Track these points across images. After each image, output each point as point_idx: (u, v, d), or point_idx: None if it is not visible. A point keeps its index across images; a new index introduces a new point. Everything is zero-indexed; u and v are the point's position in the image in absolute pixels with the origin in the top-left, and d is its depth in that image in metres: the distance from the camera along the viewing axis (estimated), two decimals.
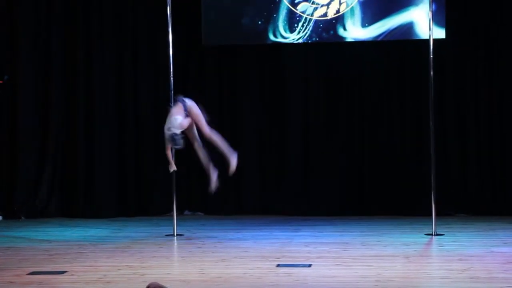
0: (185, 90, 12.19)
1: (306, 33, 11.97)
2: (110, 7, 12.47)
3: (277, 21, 12.02)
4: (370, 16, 11.86)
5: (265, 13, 12.01)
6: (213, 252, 9.23)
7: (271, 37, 12.06)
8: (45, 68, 12.51)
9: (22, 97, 12.44)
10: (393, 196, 12.14)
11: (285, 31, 12.01)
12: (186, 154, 12.34)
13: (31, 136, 12.47)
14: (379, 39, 11.88)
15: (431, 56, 10.23)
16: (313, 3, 11.98)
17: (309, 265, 8.32)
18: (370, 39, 11.90)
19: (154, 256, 9.15)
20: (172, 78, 10.54)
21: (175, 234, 10.43)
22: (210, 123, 12.15)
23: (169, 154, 9.90)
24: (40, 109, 12.51)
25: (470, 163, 12.08)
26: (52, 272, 8.14)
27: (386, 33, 11.84)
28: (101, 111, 12.45)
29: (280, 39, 12.05)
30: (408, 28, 11.78)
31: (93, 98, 12.48)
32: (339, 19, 11.93)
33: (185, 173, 12.24)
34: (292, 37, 12.01)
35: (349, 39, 11.97)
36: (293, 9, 11.99)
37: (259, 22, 12.05)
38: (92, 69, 12.48)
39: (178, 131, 9.64)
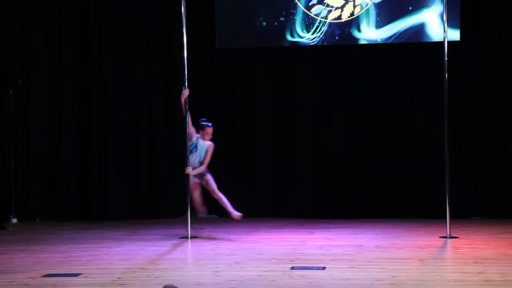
0: (199, 92, 12.26)
1: (322, 33, 11.98)
2: (123, 9, 12.51)
3: (294, 22, 12.04)
4: (384, 17, 11.87)
5: (282, 14, 12.04)
6: (227, 255, 9.24)
7: (289, 37, 12.07)
8: (57, 73, 12.55)
9: (36, 101, 12.49)
10: (408, 199, 12.11)
11: (302, 31, 12.03)
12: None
13: (45, 140, 12.51)
14: (390, 40, 11.88)
15: (446, 59, 10.20)
16: (327, 6, 11.99)
17: (323, 268, 8.31)
18: (383, 41, 11.90)
19: (168, 259, 9.17)
20: (186, 81, 10.55)
21: (189, 236, 10.44)
22: (223, 127, 12.21)
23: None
24: (54, 113, 12.56)
25: (485, 166, 12.04)
26: (66, 274, 8.16)
27: (397, 34, 11.84)
28: (115, 114, 12.48)
29: (297, 39, 12.06)
30: (419, 29, 11.78)
31: (106, 101, 12.51)
32: (354, 21, 11.94)
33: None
34: (308, 37, 12.02)
35: (362, 41, 11.98)
36: (307, 12, 12.00)
37: (276, 24, 12.06)
38: (105, 72, 12.52)
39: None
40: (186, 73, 10.53)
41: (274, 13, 12.09)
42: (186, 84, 10.52)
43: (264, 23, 12.13)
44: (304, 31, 12.03)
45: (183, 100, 10.35)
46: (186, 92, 10.35)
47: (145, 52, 12.56)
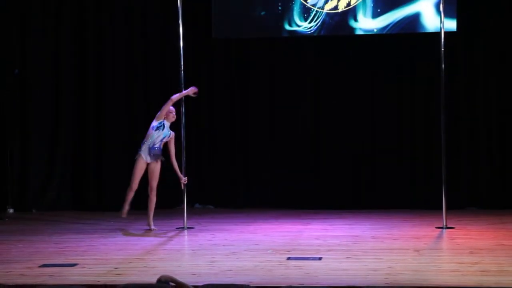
0: (194, 84, 12.26)
1: (319, 22, 11.98)
2: (121, 1, 12.49)
3: (292, 11, 12.03)
4: (381, 7, 11.86)
5: (279, 4, 12.02)
6: (223, 245, 9.25)
7: (287, 27, 12.06)
8: (55, 61, 12.55)
9: (33, 91, 12.49)
10: (404, 189, 12.13)
11: (300, 20, 12.02)
12: (196, 148, 12.41)
13: (42, 130, 12.51)
14: (385, 30, 11.87)
15: (442, 49, 10.19)
16: None
17: (320, 258, 8.32)
18: (379, 30, 11.88)
19: (165, 249, 9.19)
20: (182, 72, 10.54)
21: (186, 227, 10.45)
22: (220, 119, 12.20)
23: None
24: (51, 103, 12.55)
25: (481, 157, 12.05)
26: (63, 264, 8.16)
27: (392, 24, 11.84)
28: (112, 103, 12.49)
29: (295, 28, 12.05)
30: (414, 19, 11.76)
31: (104, 90, 12.52)
32: (351, 11, 11.94)
33: (195, 166, 12.27)
34: (305, 25, 12.01)
35: (359, 31, 11.96)
36: (303, 2, 11.99)
37: (273, 13, 12.05)
38: (102, 62, 12.52)
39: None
40: (182, 64, 10.53)
41: (272, 3, 12.07)
42: (182, 74, 10.52)
43: (262, 13, 12.11)
44: (302, 20, 12.02)
45: (186, 93, 10.38)
46: (192, 90, 10.39)
47: (142, 43, 12.55)
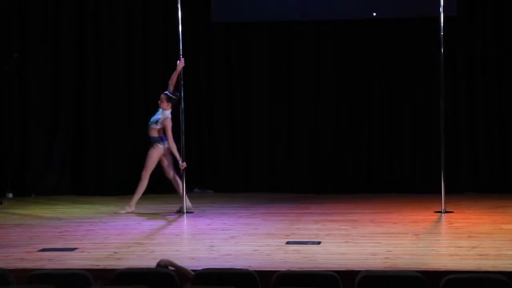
0: (194, 69, 12.25)
1: (319, 6, 11.97)
2: None
3: None
4: None
5: None
6: (222, 230, 9.26)
7: (287, 10, 12.04)
8: (54, 44, 12.52)
9: (32, 75, 12.47)
10: (403, 173, 12.14)
11: (301, 4, 12.01)
12: (195, 133, 12.41)
13: (41, 114, 12.51)
14: (384, 15, 11.84)
15: (442, 34, 10.16)
16: None
17: (319, 242, 8.34)
18: (377, 14, 11.85)
19: (164, 233, 9.20)
20: (181, 57, 10.52)
21: (185, 211, 10.46)
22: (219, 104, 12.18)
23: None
24: (50, 87, 12.55)
25: (481, 141, 12.06)
26: (62, 249, 8.18)
27: (391, 8, 11.82)
28: (111, 88, 12.48)
29: (294, 12, 12.03)
30: (413, 3, 11.72)
31: (103, 75, 12.51)
32: None
33: (194, 151, 12.27)
34: (305, 10, 12.01)
35: (358, 16, 11.93)
36: None
37: None
38: (101, 46, 12.50)
39: None
40: (181, 48, 10.50)
41: None
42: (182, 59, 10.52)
43: None
44: (302, 3, 12.00)
45: (178, 71, 10.39)
46: (181, 63, 10.38)
47: (141, 28, 12.52)
